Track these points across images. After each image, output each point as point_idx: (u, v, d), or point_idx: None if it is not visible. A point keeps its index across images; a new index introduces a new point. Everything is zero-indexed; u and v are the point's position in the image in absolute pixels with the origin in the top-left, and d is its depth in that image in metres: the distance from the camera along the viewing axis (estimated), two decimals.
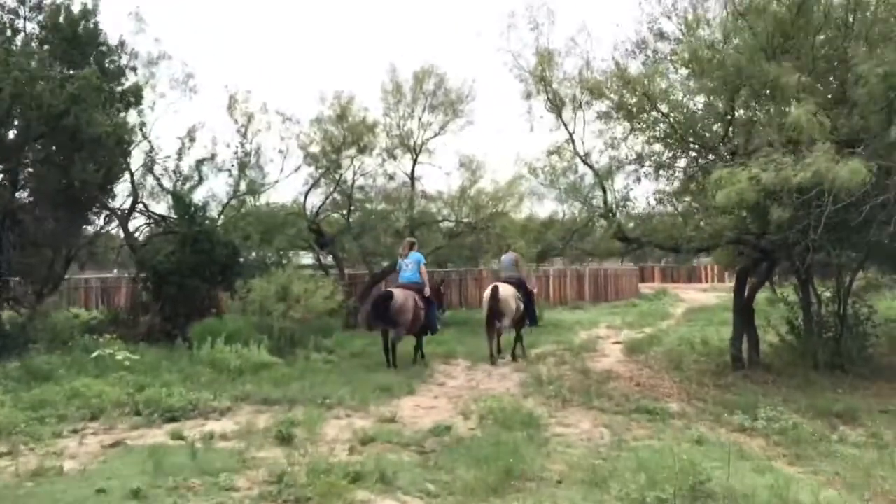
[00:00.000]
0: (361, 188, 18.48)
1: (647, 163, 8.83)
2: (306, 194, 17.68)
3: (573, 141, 9.37)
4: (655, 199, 9.19)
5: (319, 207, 17.95)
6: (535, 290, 12.22)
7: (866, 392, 8.09)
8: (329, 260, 18.88)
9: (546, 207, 12.48)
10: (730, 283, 40.67)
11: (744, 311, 9.71)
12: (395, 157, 18.04)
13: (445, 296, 23.55)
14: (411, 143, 17.79)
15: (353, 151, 17.61)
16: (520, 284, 11.51)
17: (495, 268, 11.85)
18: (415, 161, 17.85)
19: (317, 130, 17.48)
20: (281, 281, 12.47)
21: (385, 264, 17.99)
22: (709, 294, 34.14)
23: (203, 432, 6.29)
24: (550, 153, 9.60)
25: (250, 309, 12.36)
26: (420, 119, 17.64)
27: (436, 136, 17.84)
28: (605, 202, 9.35)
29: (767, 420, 6.44)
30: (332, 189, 17.87)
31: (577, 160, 9.51)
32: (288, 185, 30.26)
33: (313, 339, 11.70)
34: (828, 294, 9.58)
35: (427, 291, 10.64)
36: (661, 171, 8.87)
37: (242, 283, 12.91)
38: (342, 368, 10.18)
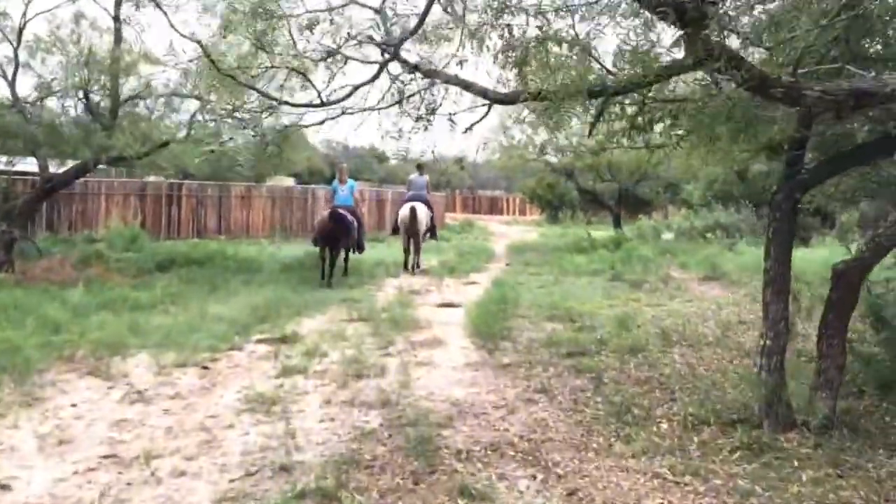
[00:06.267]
0: (39, 40, 11.04)
1: None
2: None
3: None
4: None
5: None
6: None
7: None
8: None
9: None
10: (531, 217, 38.31)
11: (839, 297, 4.03)
12: None
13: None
14: None
15: None
16: (427, 203, 12.44)
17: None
18: None
19: None
20: None
21: (72, 162, 10.86)
22: (516, 227, 31.24)
23: None
24: None
25: None
26: None
27: None
28: None
29: None
30: None
31: None
32: None
33: None
34: None
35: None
36: None
37: None
38: None
